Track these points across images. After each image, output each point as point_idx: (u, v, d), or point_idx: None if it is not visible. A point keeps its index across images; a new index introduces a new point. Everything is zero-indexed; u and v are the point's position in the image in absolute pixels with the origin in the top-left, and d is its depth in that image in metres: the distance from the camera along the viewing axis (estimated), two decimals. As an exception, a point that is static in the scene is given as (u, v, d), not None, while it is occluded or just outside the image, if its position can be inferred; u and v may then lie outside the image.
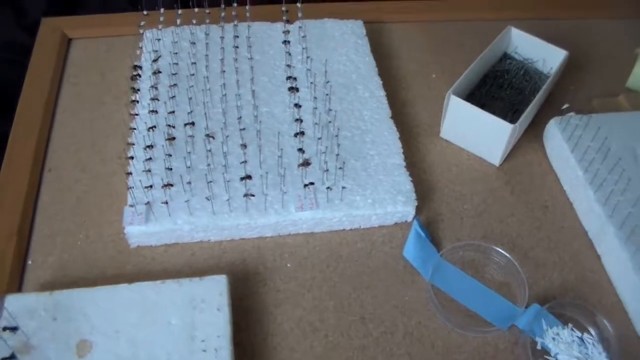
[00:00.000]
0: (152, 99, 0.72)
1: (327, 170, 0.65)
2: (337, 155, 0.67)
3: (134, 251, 0.65)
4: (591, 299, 0.63)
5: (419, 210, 0.67)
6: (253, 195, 0.63)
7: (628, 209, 0.64)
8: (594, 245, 0.67)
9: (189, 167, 0.66)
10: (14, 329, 0.55)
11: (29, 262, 0.64)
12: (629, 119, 0.74)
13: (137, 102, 0.72)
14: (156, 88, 0.73)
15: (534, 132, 0.77)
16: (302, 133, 0.68)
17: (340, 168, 0.65)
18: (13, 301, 0.58)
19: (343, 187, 0.64)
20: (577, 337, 0.60)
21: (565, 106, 0.72)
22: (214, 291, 0.58)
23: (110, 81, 0.80)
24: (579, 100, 0.80)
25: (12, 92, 0.79)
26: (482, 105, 0.69)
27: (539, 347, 0.59)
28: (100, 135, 0.74)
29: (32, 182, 0.70)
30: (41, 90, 0.78)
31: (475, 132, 0.72)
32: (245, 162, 0.66)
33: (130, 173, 0.65)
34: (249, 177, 0.64)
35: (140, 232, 0.63)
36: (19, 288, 0.62)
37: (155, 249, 0.65)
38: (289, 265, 0.64)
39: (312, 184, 0.64)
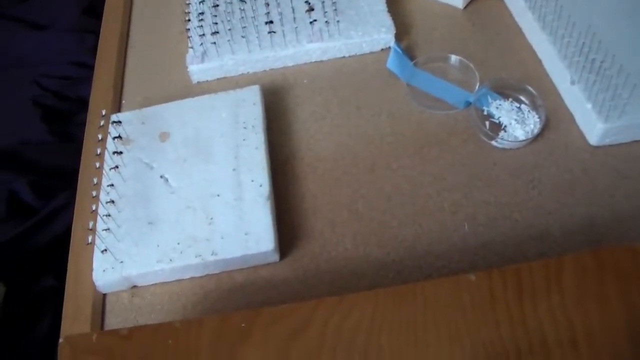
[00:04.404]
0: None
1: (326, 12, 0.89)
2: (334, 2, 0.91)
3: (196, 85, 0.91)
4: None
5: (398, 38, 0.90)
6: (274, 32, 0.88)
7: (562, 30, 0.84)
8: (539, 57, 0.87)
9: (229, 21, 0.91)
10: (118, 122, 0.83)
11: (123, 102, 0.92)
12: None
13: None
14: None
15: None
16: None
17: (335, 9, 0.89)
18: (115, 117, 0.85)
19: (338, 21, 0.88)
20: (516, 106, 0.81)
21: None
22: (251, 94, 0.83)
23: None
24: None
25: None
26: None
27: (485, 113, 0.81)
28: (167, 24, 1.02)
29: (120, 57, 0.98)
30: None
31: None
32: (268, 13, 0.91)
33: (189, 29, 0.91)
34: (271, 22, 0.89)
35: (199, 69, 0.89)
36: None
37: (211, 83, 0.91)
38: (305, 81, 0.88)
39: (315, 20, 0.88)
